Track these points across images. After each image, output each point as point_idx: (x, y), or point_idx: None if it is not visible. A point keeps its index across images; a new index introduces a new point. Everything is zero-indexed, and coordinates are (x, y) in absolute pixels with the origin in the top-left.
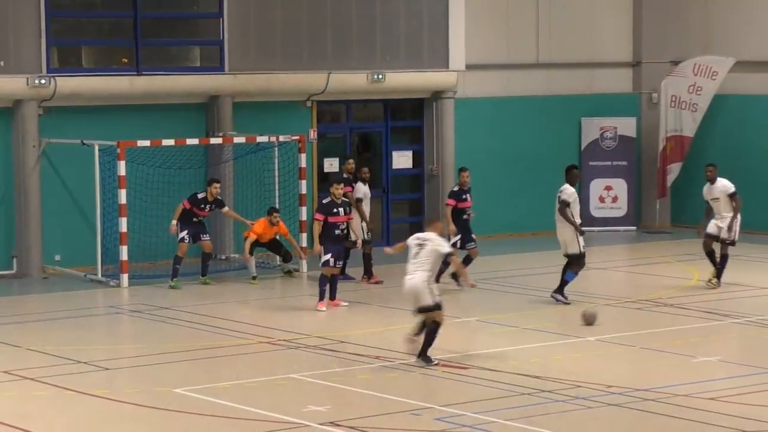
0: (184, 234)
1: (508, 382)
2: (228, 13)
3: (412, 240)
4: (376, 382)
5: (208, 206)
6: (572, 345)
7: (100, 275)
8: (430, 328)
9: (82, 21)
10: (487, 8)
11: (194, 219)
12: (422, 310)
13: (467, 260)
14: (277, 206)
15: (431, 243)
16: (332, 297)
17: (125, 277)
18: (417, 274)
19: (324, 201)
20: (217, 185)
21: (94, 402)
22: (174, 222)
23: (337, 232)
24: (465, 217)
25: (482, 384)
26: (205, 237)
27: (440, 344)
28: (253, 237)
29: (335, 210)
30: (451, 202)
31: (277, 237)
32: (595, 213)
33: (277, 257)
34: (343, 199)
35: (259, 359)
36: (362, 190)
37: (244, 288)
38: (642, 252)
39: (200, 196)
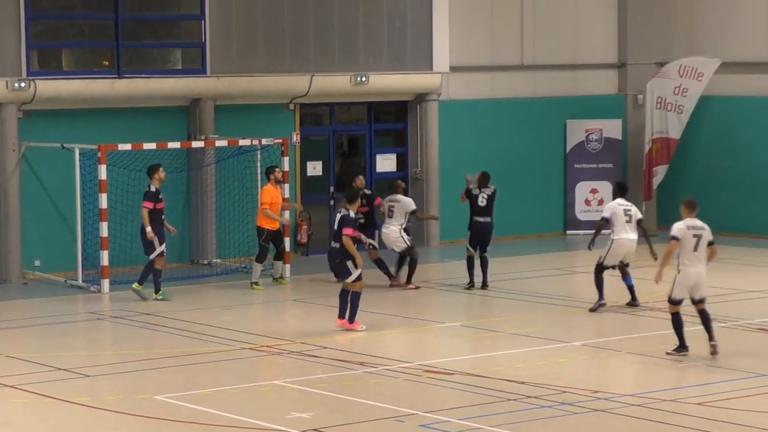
0: (163, 248)
1: (493, 388)
2: (210, 15)
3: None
4: (360, 388)
5: (160, 195)
6: (558, 350)
7: (80, 281)
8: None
9: (62, 23)
10: (471, 9)
11: (162, 217)
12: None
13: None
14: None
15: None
16: (342, 315)
17: (106, 283)
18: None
19: (351, 216)
20: (162, 169)
21: (75, 409)
22: (149, 228)
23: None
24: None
25: (467, 390)
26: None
27: (425, 350)
28: (264, 223)
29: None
30: None
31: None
32: (581, 216)
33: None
34: (364, 191)
35: (241, 365)
36: (405, 201)
37: (226, 293)
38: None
39: (153, 189)
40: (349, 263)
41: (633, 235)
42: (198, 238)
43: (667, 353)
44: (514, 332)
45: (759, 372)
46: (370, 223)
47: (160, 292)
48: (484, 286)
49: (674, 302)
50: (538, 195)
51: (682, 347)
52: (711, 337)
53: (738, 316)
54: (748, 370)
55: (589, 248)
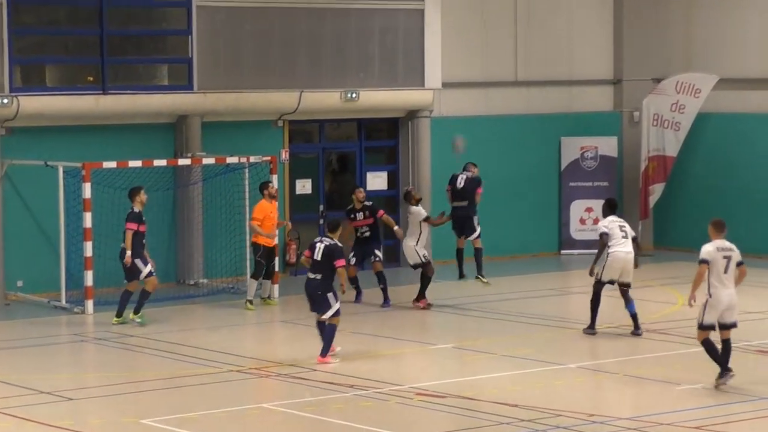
0: (150, 267)
1: (486, 411)
2: (197, 31)
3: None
4: (350, 411)
5: (144, 218)
6: (552, 372)
7: (64, 301)
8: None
9: (46, 38)
10: (464, 25)
11: (143, 241)
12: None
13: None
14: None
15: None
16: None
17: (90, 304)
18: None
19: (339, 245)
20: (144, 192)
21: None
22: (129, 253)
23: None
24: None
25: (460, 413)
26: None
27: (416, 373)
28: (260, 240)
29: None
30: None
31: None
32: (576, 235)
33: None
34: (365, 204)
35: (229, 388)
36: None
37: (213, 314)
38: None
39: (136, 210)
40: (330, 296)
41: (629, 248)
42: (185, 258)
43: (716, 383)
44: (507, 354)
45: (758, 395)
46: (375, 237)
47: (140, 314)
48: (478, 276)
49: (705, 327)
50: (532, 214)
51: (725, 371)
52: (724, 371)
53: (735, 338)
54: (747, 393)
55: (592, 274)
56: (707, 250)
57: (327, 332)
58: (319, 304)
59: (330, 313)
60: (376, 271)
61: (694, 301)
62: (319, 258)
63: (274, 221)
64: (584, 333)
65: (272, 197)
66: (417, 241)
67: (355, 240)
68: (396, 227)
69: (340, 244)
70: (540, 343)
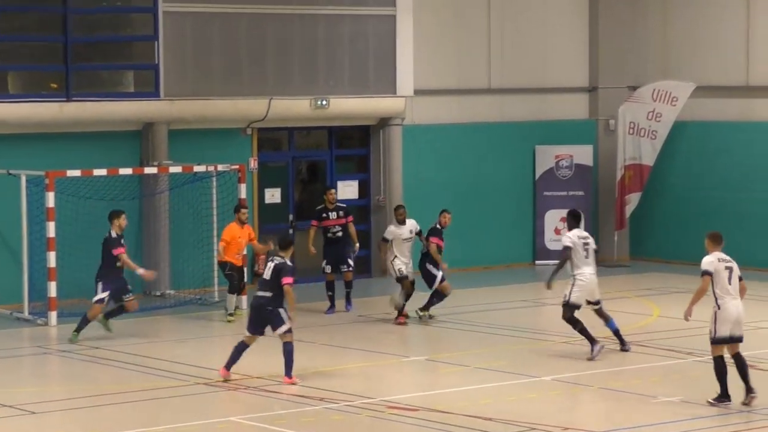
0: (105, 295)
1: (459, 425)
2: (164, 36)
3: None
4: (320, 424)
5: (123, 241)
6: (526, 385)
7: (26, 313)
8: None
9: (8, 45)
10: (436, 31)
11: (117, 264)
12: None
13: (440, 296)
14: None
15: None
16: (229, 366)
17: (54, 315)
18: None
19: (289, 263)
20: (125, 217)
21: None
22: (141, 271)
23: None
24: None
25: (432, 427)
26: (129, 296)
27: (388, 385)
28: (225, 257)
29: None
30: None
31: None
32: (551, 245)
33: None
34: (338, 204)
35: (196, 401)
36: (394, 232)
37: (181, 326)
38: (599, 287)
39: (114, 234)
40: (282, 311)
41: (593, 268)
42: (151, 269)
43: (709, 402)
44: (481, 366)
45: (738, 409)
46: (346, 238)
47: (75, 333)
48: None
49: (719, 341)
50: (506, 224)
51: (724, 396)
52: (750, 388)
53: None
54: (726, 407)
55: (549, 287)
56: (709, 261)
57: (285, 351)
58: (269, 319)
59: (283, 329)
60: (346, 280)
61: (690, 315)
62: (268, 277)
63: (241, 246)
64: (591, 359)
65: (242, 222)
66: (393, 257)
67: (326, 241)
68: (357, 244)
69: (290, 263)
70: (514, 355)
